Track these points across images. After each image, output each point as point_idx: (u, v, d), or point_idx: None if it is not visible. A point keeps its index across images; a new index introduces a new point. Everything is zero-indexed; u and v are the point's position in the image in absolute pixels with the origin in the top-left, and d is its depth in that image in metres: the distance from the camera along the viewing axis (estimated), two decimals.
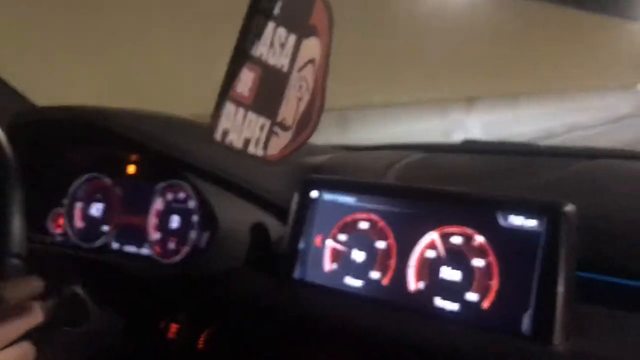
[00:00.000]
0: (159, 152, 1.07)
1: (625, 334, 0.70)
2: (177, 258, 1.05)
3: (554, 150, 1.31)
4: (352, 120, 6.10)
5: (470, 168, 1.18)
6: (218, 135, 0.84)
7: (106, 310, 0.97)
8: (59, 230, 1.23)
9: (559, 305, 0.67)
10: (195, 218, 1.06)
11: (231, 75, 0.81)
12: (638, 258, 0.78)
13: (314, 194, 0.93)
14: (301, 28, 0.88)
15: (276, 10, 0.81)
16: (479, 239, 0.76)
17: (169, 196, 1.12)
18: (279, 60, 0.85)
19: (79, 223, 1.21)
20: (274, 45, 0.84)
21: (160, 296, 1.01)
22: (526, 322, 0.69)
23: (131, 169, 1.19)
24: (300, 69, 0.90)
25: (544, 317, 0.68)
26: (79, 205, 1.22)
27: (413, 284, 0.80)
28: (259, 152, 0.90)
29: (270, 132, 0.91)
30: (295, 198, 0.94)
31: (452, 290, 0.76)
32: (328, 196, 0.92)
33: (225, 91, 0.82)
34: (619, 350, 0.66)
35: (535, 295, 0.69)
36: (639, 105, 12.26)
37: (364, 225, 0.87)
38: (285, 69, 0.88)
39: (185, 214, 1.09)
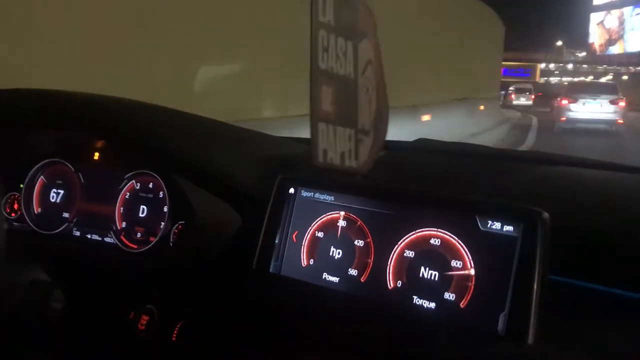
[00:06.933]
0: (129, 139, 1.05)
1: (591, 337, 0.74)
2: (145, 248, 1.04)
3: (509, 154, 1.37)
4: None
5: (430, 168, 1.21)
6: (320, 157, 0.85)
7: (72, 298, 0.94)
8: (13, 215, 1.18)
9: (534, 306, 0.71)
10: (165, 209, 1.04)
11: (316, 95, 0.84)
12: (604, 263, 0.83)
13: (291, 190, 0.94)
14: (354, 34, 0.91)
15: (332, 22, 0.84)
16: (457, 241, 0.79)
17: (137, 185, 1.09)
18: (345, 68, 0.88)
19: (36, 208, 1.17)
20: (339, 55, 0.87)
21: (127, 286, 0.99)
22: (502, 322, 0.73)
23: (96, 155, 1.16)
24: (363, 72, 0.93)
25: (519, 317, 0.72)
26: (37, 190, 1.18)
27: (391, 281, 0.82)
28: (353, 163, 0.92)
29: (357, 140, 0.93)
30: (273, 193, 0.94)
31: (430, 290, 0.79)
32: (306, 193, 0.93)
33: (315, 112, 0.84)
34: (586, 353, 0.71)
35: (511, 297, 0.73)
36: None
37: (342, 223, 0.89)
38: (352, 76, 0.90)
39: (154, 204, 1.07)
